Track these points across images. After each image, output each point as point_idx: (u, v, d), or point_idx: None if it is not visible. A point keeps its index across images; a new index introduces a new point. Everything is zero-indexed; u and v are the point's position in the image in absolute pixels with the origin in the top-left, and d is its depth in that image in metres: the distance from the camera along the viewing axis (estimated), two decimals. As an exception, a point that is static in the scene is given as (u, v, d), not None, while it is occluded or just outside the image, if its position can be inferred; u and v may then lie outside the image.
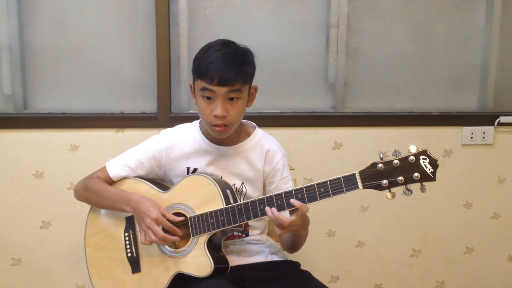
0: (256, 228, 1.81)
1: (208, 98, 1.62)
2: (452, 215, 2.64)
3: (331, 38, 2.48)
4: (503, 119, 2.57)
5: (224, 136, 1.69)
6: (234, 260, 1.73)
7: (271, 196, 1.56)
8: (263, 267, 1.75)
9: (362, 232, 2.60)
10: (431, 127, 2.55)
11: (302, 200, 1.53)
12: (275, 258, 1.80)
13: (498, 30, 2.57)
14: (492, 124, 2.58)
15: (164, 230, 1.64)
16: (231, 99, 1.62)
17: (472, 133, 2.56)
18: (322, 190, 1.50)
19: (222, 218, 1.61)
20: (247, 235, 1.79)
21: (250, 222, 1.77)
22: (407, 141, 2.45)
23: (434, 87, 2.59)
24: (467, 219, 2.65)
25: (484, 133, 2.57)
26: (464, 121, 2.56)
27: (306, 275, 1.73)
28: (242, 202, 1.60)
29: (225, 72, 1.59)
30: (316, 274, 1.75)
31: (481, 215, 2.66)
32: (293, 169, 2.07)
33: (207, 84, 1.60)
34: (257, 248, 1.80)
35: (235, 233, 1.77)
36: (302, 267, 1.79)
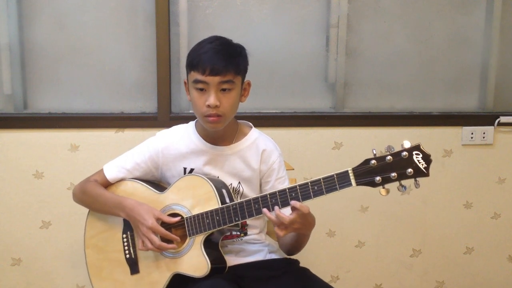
0: (255, 227, 1.81)
1: (201, 89, 1.64)
2: (452, 215, 2.64)
3: (331, 38, 2.48)
4: (503, 119, 2.57)
5: (218, 128, 1.68)
6: (233, 260, 1.73)
7: (266, 195, 1.56)
8: (261, 265, 1.75)
9: (362, 232, 2.60)
10: (431, 127, 2.55)
11: (296, 198, 1.52)
12: (274, 256, 1.80)
13: (498, 30, 2.57)
14: (492, 124, 2.58)
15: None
16: (224, 90, 1.64)
17: (472, 133, 2.56)
18: (315, 188, 1.49)
19: (217, 218, 1.61)
20: (245, 234, 1.79)
21: (249, 222, 1.78)
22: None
23: (434, 87, 2.59)
24: (467, 219, 2.65)
25: (484, 133, 2.57)
26: (464, 121, 2.56)
27: (306, 272, 1.73)
28: (237, 201, 1.60)
29: (217, 62, 1.61)
30: (316, 274, 1.75)
31: (481, 215, 2.66)
32: (293, 169, 2.07)
33: (199, 75, 1.62)
34: (255, 248, 1.79)
35: (234, 233, 1.77)
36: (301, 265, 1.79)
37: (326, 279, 2.57)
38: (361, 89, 2.55)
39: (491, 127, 2.58)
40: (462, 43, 2.58)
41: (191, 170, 1.75)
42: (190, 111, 2.44)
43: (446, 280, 2.69)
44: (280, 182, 1.78)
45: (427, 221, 2.62)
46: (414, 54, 2.55)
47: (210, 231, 1.63)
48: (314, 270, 1.76)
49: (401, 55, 2.55)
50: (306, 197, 1.51)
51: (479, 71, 2.61)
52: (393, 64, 2.55)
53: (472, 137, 2.57)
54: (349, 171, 1.46)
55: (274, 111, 2.48)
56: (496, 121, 2.57)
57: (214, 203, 1.63)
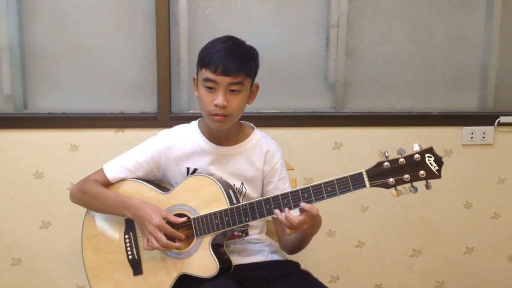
0: (256, 227, 1.82)
1: (210, 88, 1.64)
2: (452, 215, 2.64)
3: (331, 38, 2.48)
4: (503, 119, 2.57)
5: (222, 127, 1.68)
6: (236, 260, 1.73)
7: (277, 196, 1.56)
8: (265, 266, 1.75)
9: (362, 232, 2.60)
10: (431, 127, 2.55)
11: (308, 199, 1.53)
12: (275, 257, 1.80)
13: (498, 30, 2.57)
14: (492, 124, 2.58)
15: (166, 235, 1.63)
16: (233, 91, 1.64)
17: (472, 133, 2.56)
18: (329, 189, 1.51)
19: (227, 218, 1.61)
20: (247, 234, 1.80)
21: (250, 222, 1.78)
22: (407, 141, 2.45)
23: (434, 87, 2.59)
24: (467, 219, 2.65)
25: (484, 133, 2.57)
26: (464, 121, 2.56)
27: (307, 275, 1.73)
28: (247, 202, 1.60)
29: (229, 62, 1.61)
30: (316, 274, 1.75)
31: (481, 215, 2.66)
32: (293, 169, 2.07)
33: (210, 74, 1.62)
34: (257, 247, 1.80)
35: (236, 233, 1.77)
36: (302, 267, 1.79)
37: (326, 279, 2.59)
38: (361, 89, 2.55)
39: (491, 127, 2.58)
40: (462, 43, 2.58)
41: (194, 170, 1.75)
42: (190, 111, 2.44)
43: (446, 280, 2.70)
44: (282, 183, 1.79)
45: (427, 221, 2.62)
46: (414, 54, 2.55)
47: (219, 232, 1.62)
48: (314, 270, 1.76)
49: (401, 55, 2.55)
50: (319, 198, 1.53)
51: (479, 71, 2.61)
52: (393, 64, 2.55)
53: (472, 137, 2.57)
54: (363, 173, 1.48)
55: (274, 111, 2.48)
56: (496, 121, 2.57)
57: (222, 204, 1.62)
